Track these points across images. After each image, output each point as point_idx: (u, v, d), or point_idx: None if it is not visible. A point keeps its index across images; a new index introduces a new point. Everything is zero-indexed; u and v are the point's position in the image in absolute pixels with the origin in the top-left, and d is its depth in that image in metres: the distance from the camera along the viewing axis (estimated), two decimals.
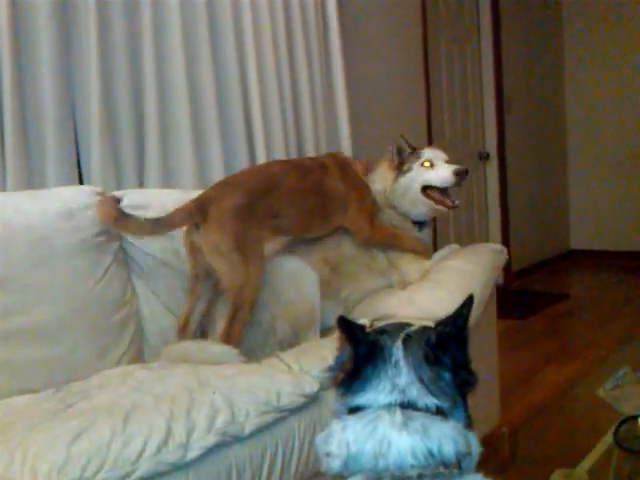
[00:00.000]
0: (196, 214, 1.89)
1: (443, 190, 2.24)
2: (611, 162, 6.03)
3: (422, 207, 2.28)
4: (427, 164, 2.24)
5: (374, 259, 2.28)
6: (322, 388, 1.64)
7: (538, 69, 5.91)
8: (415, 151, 2.28)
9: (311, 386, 1.64)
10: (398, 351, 0.91)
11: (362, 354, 0.92)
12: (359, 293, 2.25)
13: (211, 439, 1.42)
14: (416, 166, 2.25)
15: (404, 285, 2.23)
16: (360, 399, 0.90)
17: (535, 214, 5.84)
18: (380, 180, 2.29)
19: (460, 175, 2.21)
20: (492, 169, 5.25)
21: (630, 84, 5.81)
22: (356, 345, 0.92)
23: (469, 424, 0.91)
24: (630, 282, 5.40)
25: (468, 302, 0.95)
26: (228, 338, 1.88)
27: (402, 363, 0.90)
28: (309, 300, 2.05)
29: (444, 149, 2.37)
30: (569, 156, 6.37)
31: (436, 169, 2.24)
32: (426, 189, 2.24)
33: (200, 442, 1.40)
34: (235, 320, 1.90)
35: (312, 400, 1.64)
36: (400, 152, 2.27)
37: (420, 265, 2.27)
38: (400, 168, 2.26)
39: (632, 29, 5.77)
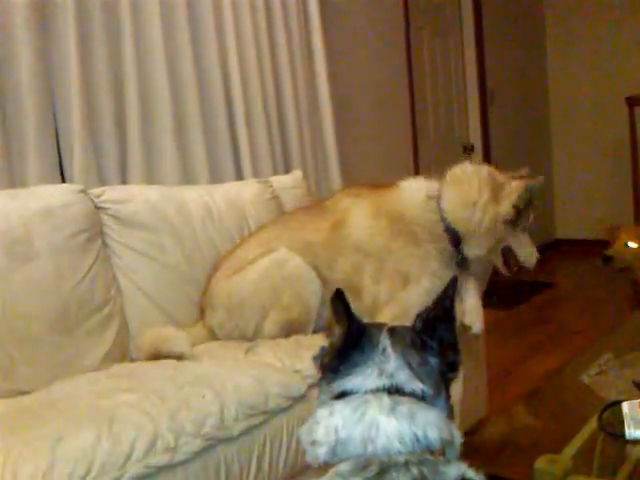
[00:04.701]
0: None
1: (515, 258, 2.09)
2: (595, 152, 6.06)
3: (486, 254, 2.08)
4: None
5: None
6: (310, 386, 1.64)
7: (521, 61, 5.92)
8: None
9: (298, 387, 1.65)
10: (385, 339, 0.91)
11: (353, 334, 0.90)
12: None
13: (199, 443, 1.42)
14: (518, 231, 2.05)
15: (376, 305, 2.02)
16: (347, 383, 0.88)
17: None
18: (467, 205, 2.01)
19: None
20: (477, 161, 5.26)
21: (612, 72, 5.83)
22: (350, 320, 0.90)
23: (450, 415, 0.91)
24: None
25: (452, 283, 0.95)
26: None
27: (390, 350, 0.90)
28: (306, 304, 2.00)
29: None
30: (553, 147, 6.40)
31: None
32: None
33: (188, 447, 1.40)
34: None
35: (300, 399, 1.65)
36: (528, 204, 2.04)
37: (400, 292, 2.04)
38: (514, 219, 2.05)
39: (613, 15, 5.79)
